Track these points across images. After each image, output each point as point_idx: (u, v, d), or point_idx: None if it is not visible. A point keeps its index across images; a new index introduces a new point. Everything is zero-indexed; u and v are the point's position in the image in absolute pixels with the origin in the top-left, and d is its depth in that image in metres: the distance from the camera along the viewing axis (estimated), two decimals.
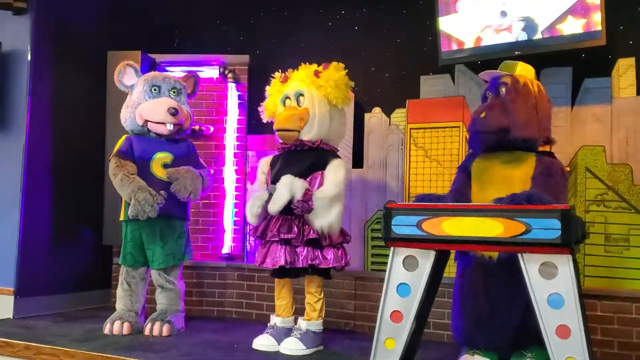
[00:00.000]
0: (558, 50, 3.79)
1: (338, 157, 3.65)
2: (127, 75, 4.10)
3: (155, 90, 4.03)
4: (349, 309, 4.26)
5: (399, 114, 4.45)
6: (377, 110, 4.53)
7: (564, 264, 2.55)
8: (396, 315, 2.84)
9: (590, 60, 4.01)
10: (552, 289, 2.56)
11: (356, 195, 4.49)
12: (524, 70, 3.36)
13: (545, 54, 3.93)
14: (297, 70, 3.79)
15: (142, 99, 4.00)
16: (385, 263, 4.27)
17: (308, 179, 3.52)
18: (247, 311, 4.62)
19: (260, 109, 3.95)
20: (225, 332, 4.06)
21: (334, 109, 3.67)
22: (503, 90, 3.29)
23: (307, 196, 3.42)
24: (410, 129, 4.24)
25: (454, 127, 4.12)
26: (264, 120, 3.96)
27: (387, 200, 4.38)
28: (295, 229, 3.46)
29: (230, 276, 4.70)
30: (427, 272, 2.80)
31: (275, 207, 3.45)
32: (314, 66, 3.75)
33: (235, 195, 4.90)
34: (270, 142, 4.85)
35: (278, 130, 3.67)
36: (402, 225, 2.82)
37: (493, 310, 3.16)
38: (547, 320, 2.57)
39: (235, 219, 4.88)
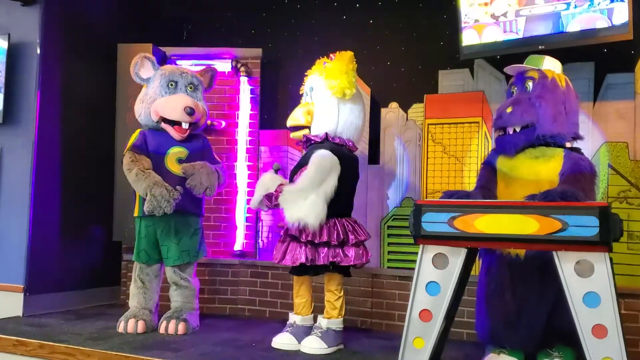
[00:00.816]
0: (583, 45, 3.72)
1: (324, 148, 3.44)
2: (144, 67, 4.01)
3: (172, 85, 3.95)
4: (365, 306, 4.20)
5: (416, 109, 4.39)
6: (394, 105, 4.46)
7: (600, 262, 2.49)
8: (425, 314, 2.79)
9: (612, 56, 3.95)
10: (588, 288, 2.50)
11: (372, 191, 4.43)
12: (552, 65, 3.30)
13: (566, 49, 3.86)
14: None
15: (158, 94, 3.93)
16: (402, 260, 4.33)
17: (297, 174, 3.48)
18: (260, 309, 4.55)
19: None
20: (241, 330, 3.99)
21: (343, 101, 3.53)
22: (530, 84, 3.23)
23: (278, 191, 3.39)
24: (428, 124, 4.18)
25: (473, 122, 4.06)
26: None
27: (404, 196, 4.38)
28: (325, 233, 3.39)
29: (243, 273, 4.62)
30: (458, 270, 2.74)
31: (251, 203, 3.64)
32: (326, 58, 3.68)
33: (248, 191, 4.81)
34: (283, 137, 4.79)
35: (288, 128, 3.64)
36: (433, 223, 2.75)
37: (520, 308, 3.10)
38: (583, 319, 2.51)
39: (247, 215, 4.80)
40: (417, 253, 4.10)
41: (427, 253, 2.79)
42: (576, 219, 2.50)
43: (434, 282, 2.78)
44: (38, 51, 4.38)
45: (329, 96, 3.51)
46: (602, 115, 3.92)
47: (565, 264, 2.55)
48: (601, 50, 3.95)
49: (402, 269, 4.22)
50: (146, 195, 3.65)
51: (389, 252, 4.36)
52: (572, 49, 3.86)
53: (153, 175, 3.72)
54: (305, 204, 3.28)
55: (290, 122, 3.60)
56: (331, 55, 3.59)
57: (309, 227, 3.28)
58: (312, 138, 3.54)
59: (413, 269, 4.13)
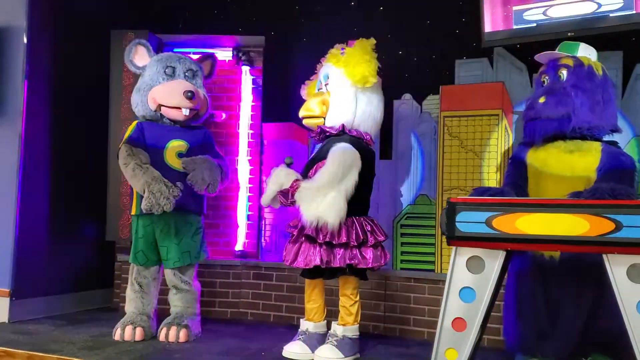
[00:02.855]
0: (616, 32, 3.49)
1: (343, 141, 3.21)
2: (138, 54, 3.75)
3: (169, 71, 3.67)
4: (378, 310, 3.95)
5: (431, 101, 4.14)
6: (407, 96, 4.20)
7: None
8: (459, 323, 2.56)
9: None
10: None
11: (384, 188, 4.17)
12: (587, 52, 3.08)
13: (594, 37, 3.63)
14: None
15: (156, 80, 3.65)
16: (416, 261, 4.09)
17: (313, 169, 3.24)
18: (264, 313, 4.28)
19: None
20: (247, 337, 3.72)
21: (361, 90, 3.29)
22: (564, 73, 3.01)
23: (294, 187, 3.14)
24: (444, 117, 3.93)
25: (493, 115, 3.82)
26: None
27: (418, 194, 4.14)
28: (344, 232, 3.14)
29: (245, 275, 4.36)
30: (495, 275, 2.52)
31: (263, 199, 3.37)
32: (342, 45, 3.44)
33: (249, 187, 4.54)
34: (287, 130, 4.52)
35: (302, 118, 3.40)
36: (469, 222, 2.51)
37: (553, 315, 2.90)
38: (637, 328, 2.31)
39: (249, 213, 4.53)
40: (432, 254, 3.98)
41: (461, 256, 2.56)
42: (631, 219, 2.29)
43: (468, 287, 2.55)
44: (25, 38, 4.06)
45: (348, 85, 3.27)
46: (631, 107, 3.70)
47: (617, 268, 2.33)
48: (629, 39, 3.73)
49: (417, 270, 3.97)
50: (144, 192, 3.37)
51: (402, 253, 4.10)
52: (599, 37, 3.64)
53: (151, 170, 3.44)
54: (325, 201, 3.03)
55: (303, 112, 3.34)
56: (349, 42, 3.33)
57: (329, 226, 3.03)
58: (328, 130, 3.28)
59: (427, 270, 3.98)
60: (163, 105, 3.61)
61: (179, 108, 3.61)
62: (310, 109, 3.31)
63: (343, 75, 3.28)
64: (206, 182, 3.53)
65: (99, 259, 4.65)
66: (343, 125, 3.26)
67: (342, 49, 3.35)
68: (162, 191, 3.36)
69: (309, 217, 3.04)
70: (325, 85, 3.35)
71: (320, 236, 3.10)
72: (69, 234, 4.45)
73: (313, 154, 3.42)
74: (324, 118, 3.30)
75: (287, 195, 3.18)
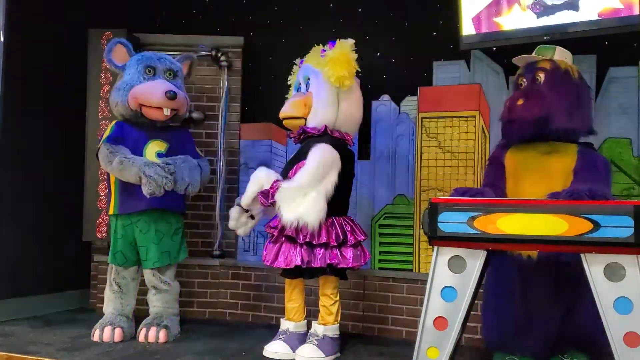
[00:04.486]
0: (590, 36, 3.56)
1: (323, 141, 3.22)
2: (117, 53, 3.71)
3: (149, 71, 3.65)
4: (356, 310, 3.97)
5: (409, 102, 4.18)
6: (385, 97, 4.24)
7: (632, 265, 2.33)
8: (440, 322, 2.58)
9: (614, 48, 3.81)
10: (619, 293, 2.34)
11: (362, 188, 4.20)
12: (563, 55, 3.13)
13: (565, 41, 3.70)
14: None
15: (136, 80, 3.62)
16: (393, 261, 4.12)
17: (293, 169, 3.25)
18: (242, 313, 4.28)
19: None
20: (226, 337, 3.71)
21: (343, 91, 3.33)
22: (541, 76, 3.05)
23: (274, 187, 3.14)
24: (422, 118, 3.97)
25: (470, 116, 3.87)
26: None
27: (396, 194, 4.17)
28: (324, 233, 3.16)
29: (223, 275, 4.35)
30: (476, 274, 2.55)
31: (243, 200, 3.35)
32: (322, 46, 3.46)
33: (227, 187, 4.53)
34: (265, 131, 4.52)
35: (283, 119, 3.41)
36: (451, 223, 2.53)
37: (531, 313, 2.95)
38: (614, 326, 2.33)
39: (227, 213, 4.50)
40: (410, 254, 4.02)
41: (443, 256, 2.58)
42: (608, 219, 2.33)
43: (450, 287, 2.57)
44: (2, 37, 4.00)
45: (329, 87, 3.29)
46: (604, 110, 3.78)
47: (594, 267, 2.37)
48: (602, 43, 3.81)
49: (395, 269, 4.01)
50: (140, 180, 3.33)
51: (380, 253, 4.13)
52: (571, 41, 3.70)
53: (139, 158, 3.45)
54: (305, 201, 3.05)
55: (285, 113, 3.36)
56: (330, 43, 3.35)
57: (309, 226, 3.05)
58: (310, 130, 3.30)
59: (405, 269, 4.01)
60: (144, 105, 3.59)
61: (161, 108, 3.59)
62: (292, 110, 3.32)
63: (324, 77, 3.29)
64: (186, 182, 3.51)
65: (75, 260, 4.60)
66: (326, 127, 3.28)
67: (323, 50, 3.37)
68: (158, 172, 3.34)
69: (289, 217, 3.05)
70: (306, 86, 3.37)
71: (301, 236, 3.11)
72: (45, 234, 4.39)
73: (293, 155, 3.43)
74: (305, 119, 3.32)
75: (267, 196, 3.18)
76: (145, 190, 3.30)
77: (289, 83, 3.65)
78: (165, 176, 3.33)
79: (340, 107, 3.33)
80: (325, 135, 3.28)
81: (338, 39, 3.36)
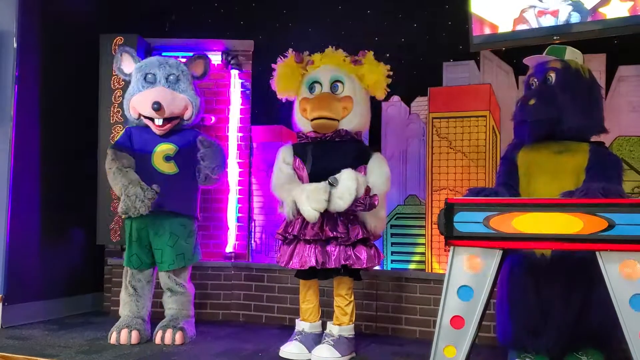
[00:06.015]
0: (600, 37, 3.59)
1: (378, 150, 3.41)
2: (124, 62, 3.79)
3: (150, 78, 3.70)
4: (370, 310, 4.00)
5: (419, 103, 4.21)
6: (395, 98, 4.26)
7: None
8: (457, 321, 2.60)
9: (624, 47, 3.84)
10: (634, 290, 2.36)
11: None
12: (574, 55, 3.16)
13: (577, 41, 3.72)
14: (322, 53, 3.49)
15: (136, 89, 3.71)
16: (405, 261, 4.16)
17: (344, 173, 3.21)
18: (255, 314, 4.31)
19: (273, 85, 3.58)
20: (241, 338, 3.75)
21: (367, 98, 3.47)
22: (552, 76, 3.08)
23: (368, 192, 3.15)
24: (433, 118, 4.00)
25: (480, 116, 3.90)
26: (279, 97, 3.59)
27: (407, 194, 4.20)
28: (342, 227, 3.17)
29: (236, 277, 4.38)
30: (492, 273, 2.57)
31: (343, 203, 3.06)
32: (341, 52, 3.48)
33: (239, 189, 4.57)
34: (276, 133, 4.55)
35: (317, 118, 3.31)
36: (467, 222, 2.56)
37: (545, 311, 2.96)
38: (630, 323, 2.36)
39: (239, 215, 4.55)
40: (422, 253, 4.04)
41: (459, 255, 2.60)
42: (624, 217, 2.35)
43: (466, 286, 2.59)
44: (15, 43, 4.04)
45: (366, 93, 3.45)
46: (614, 109, 3.81)
47: (610, 264, 2.40)
48: (612, 42, 3.83)
49: (408, 269, 4.04)
50: (121, 195, 3.42)
51: (392, 253, 4.16)
52: (582, 41, 3.73)
53: (130, 173, 3.51)
54: (384, 209, 3.43)
55: (326, 113, 3.28)
56: (360, 52, 3.45)
57: (380, 231, 3.40)
58: (350, 133, 3.36)
59: (418, 269, 4.04)
60: (141, 115, 3.68)
61: (153, 119, 3.66)
62: (331, 112, 3.30)
63: (361, 83, 3.41)
64: (210, 166, 3.69)
65: (90, 263, 4.63)
66: (360, 132, 3.44)
67: (356, 59, 3.42)
68: (137, 194, 3.40)
69: (376, 222, 3.29)
70: (331, 87, 3.38)
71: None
72: (60, 238, 4.43)
73: (342, 155, 3.33)
74: (339, 121, 3.34)
75: (364, 201, 3.16)
76: (120, 208, 3.42)
77: (278, 71, 3.56)
78: (142, 200, 3.39)
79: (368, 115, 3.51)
80: (358, 140, 3.42)
81: (368, 50, 3.45)
